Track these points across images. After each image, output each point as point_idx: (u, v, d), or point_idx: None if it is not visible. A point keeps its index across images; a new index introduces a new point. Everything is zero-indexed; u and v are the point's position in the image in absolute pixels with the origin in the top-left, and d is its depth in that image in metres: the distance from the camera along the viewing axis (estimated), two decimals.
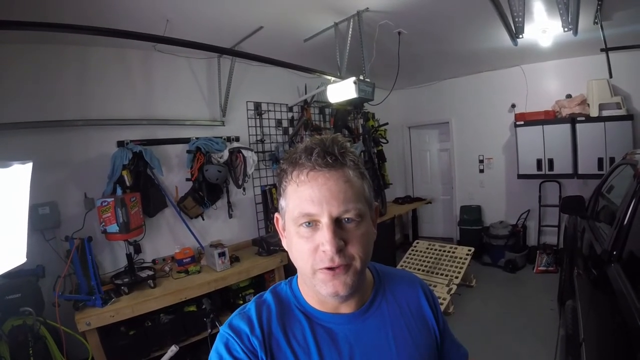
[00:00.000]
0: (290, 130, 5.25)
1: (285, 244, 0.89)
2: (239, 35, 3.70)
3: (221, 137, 4.29)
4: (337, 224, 0.78)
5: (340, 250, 0.77)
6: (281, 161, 0.87)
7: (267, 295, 0.95)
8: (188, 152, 4.01)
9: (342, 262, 0.78)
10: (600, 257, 2.30)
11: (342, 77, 3.85)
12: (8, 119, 2.97)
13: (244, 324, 0.86)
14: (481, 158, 6.94)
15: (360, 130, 6.18)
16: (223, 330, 0.86)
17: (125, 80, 3.76)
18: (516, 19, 3.35)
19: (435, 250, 5.56)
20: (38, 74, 3.20)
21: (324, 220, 0.77)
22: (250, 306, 0.91)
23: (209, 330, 2.87)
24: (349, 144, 0.86)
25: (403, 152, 8.10)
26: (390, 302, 0.97)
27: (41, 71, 3.22)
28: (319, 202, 0.77)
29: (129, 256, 3.41)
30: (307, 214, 0.78)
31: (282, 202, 0.87)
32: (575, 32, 3.57)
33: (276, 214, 0.93)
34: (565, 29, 3.46)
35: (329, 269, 0.78)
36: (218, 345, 0.84)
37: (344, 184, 0.79)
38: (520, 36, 3.60)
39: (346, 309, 0.90)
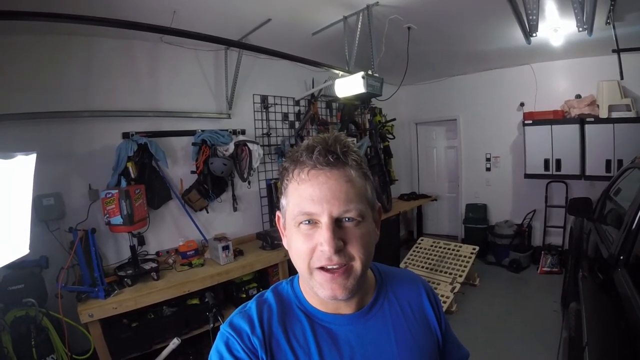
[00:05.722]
0: (297, 124, 5.23)
1: (285, 243, 0.89)
2: (247, 28, 3.67)
3: (227, 130, 4.28)
4: (337, 223, 0.77)
5: (339, 250, 0.76)
6: (283, 160, 0.86)
7: (268, 294, 0.95)
8: (193, 144, 4.00)
9: (341, 262, 0.77)
10: (606, 261, 2.29)
11: (351, 72, 3.82)
12: (13, 110, 2.96)
13: (244, 323, 0.85)
14: (488, 156, 6.90)
15: (367, 126, 6.15)
16: (223, 329, 0.86)
17: (131, 71, 3.75)
18: (530, 17, 3.32)
19: (440, 248, 5.55)
20: (43, 65, 3.19)
21: (324, 220, 0.76)
22: (251, 305, 0.91)
23: (211, 324, 2.87)
24: (354, 139, 0.84)
25: (410, 149, 8.07)
26: (393, 302, 0.96)
27: (46, 62, 3.21)
28: (319, 201, 0.76)
29: (132, 248, 3.41)
30: (307, 213, 0.78)
31: (283, 201, 0.86)
32: (590, 32, 3.53)
33: (277, 213, 0.93)
34: (580, 29, 3.43)
35: (328, 270, 0.77)
36: (218, 344, 0.84)
37: (345, 184, 0.79)
38: (534, 34, 3.56)
39: (348, 309, 0.89)
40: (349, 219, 0.78)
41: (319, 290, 0.80)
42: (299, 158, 0.80)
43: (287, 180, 0.83)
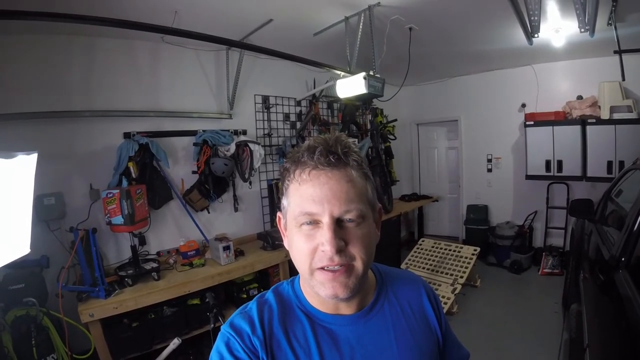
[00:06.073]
0: (298, 125, 5.23)
1: (286, 243, 0.89)
2: (248, 28, 3.67)
3: (228, 130, 4.28)
4: (338, 224, 0.78)
5: (340, 250, 0.76)
6: (284, 160, 0.86)
7: (269, 294, 0.95)
8: (195, 144, 4.00)
9: (342, 262, 0.77)
10: (608, 262, 2.28)
11: (352, 72, 3.82)
12: (14, 109, 2.97)
13: (245, 324, 0.85)
14: (489, 157, 6.89)
15: (369, 126, 6.15)
16: (224, 329, 0.86)
17: (133, 71, 3.75)
18: (532, 18, 3.31)
19: (441, 249, 5.54)
20: (45, 65, 3.20)
21: (325, 220, 0.76)
22: (252, 306, 0.91)
23: (212, 325, 2.87)
24: (355, 140, 0.84)
25: (411, 149, 8.07)
26: (393, 303, 0.97)
27: (48, 62, 3.22)
28: (320, 202, 0.77)
29: (133, 248, 3.42)
30: (308, 213, 0.78)
31: (284, 201, 0.86)
32: (592, 33, 3.53)
33: (278, 213, 0.93)
34: (582, 30, 3.42)
35: (330, 270, 0.77)
36: (219, 344, 0.84)
37: (346, 184, 0.79)
38: (536, 35, 3.56)
39: (348, 310, 0.90)
40: (350, 219, 0.78)
41: (320, 290, 0.80)
42: (300, 158, 0.81)
43: (288, 180, 0.83)
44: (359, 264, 0.79)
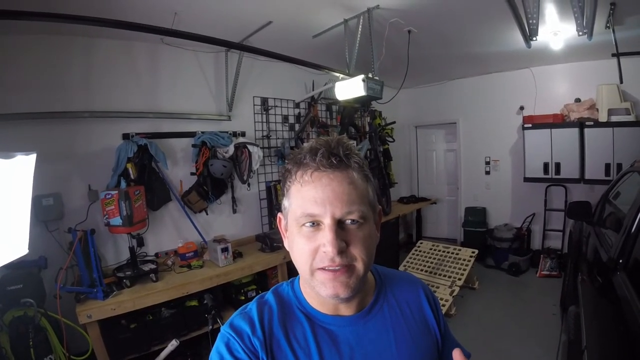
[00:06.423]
0: (297, 127, 5.23)
1: (287, 244, 0.89)
2: (248, 30, 3.68)
3: (227, 132, 4.27)
4: (340, 225, 0.78)
5: (341, 251, 0.76)
6: (286, 161, 0.86)
7: (269, 295, 0.95)
8: (193, 146, 4.00)
9: (344, 263, 0.77)
10: (606, 264, 2.29)
11: (351, 75, 3.83)
12: (13, 110, 2.97)
13: (245, 324, 0.85)
14: (487, 160, 6.90)
15: (367, 128, 6.15)
16: (224, 330, 0.86)
17: (132, 72, 3.74)
18: (530, 21, 3.32)
19: (439, 251, 5.54)
20: (44, 65, 3.19)
21: (327, 221, 0.77)
22: (252, 306, 0.91)
23: (210, 326, 2.87)
24: (354, 142, 0.85)
25: (409, 152, 8.06)
26: (392, 304, 0.97)
27: (47, 62, 3.21)
28: (322, 203, 0.77)
29: (131, 249, 3.40)
30: (310, 215, 0.78)
31: (286, 202, 0.86)
32: (590, 36, 3.54)
33: (279, 214, 0.93)
34: (580, 33, 3.43)
35: (330, 270, 0.78)
36: (219, 345, 0.84)
37: (348, 186, 0.79)
38: (534, 38, 3.57)
39: (348, 310, 0.90)
40: (351, 220, 0.79)
41: (321, 289, 0.80)
42: (302, 160, 0.81)
43: (289, 182, 0.84)
44: (360, 265, 0.79)
